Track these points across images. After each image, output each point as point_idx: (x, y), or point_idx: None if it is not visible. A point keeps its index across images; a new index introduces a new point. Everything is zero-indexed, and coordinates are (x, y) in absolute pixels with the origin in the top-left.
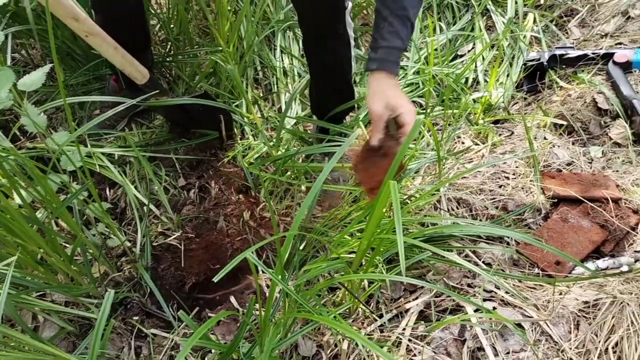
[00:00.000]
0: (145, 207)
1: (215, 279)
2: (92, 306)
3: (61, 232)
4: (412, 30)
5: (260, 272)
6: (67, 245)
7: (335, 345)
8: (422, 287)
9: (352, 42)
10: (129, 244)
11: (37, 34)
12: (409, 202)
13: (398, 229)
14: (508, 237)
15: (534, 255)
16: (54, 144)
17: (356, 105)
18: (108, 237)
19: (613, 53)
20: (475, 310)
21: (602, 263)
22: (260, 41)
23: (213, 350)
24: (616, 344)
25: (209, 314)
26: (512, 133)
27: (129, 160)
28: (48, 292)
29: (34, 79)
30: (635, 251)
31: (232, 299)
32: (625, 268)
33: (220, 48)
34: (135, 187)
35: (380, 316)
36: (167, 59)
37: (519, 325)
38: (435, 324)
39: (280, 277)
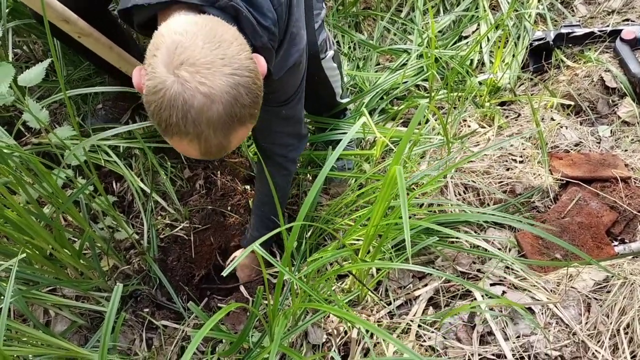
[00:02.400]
0: (152, 200)
1: (224, 274)
2: (102, 299)
3: (69, 227)
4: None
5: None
6: (76, 239)
7: (345, 333)
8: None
9: (337, 78)
10: (137, 237)
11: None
12: (415, 188)
13: (404, 216)
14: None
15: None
16: (58, 139)
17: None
18: (116, 230)
19: (620, 30)
20: (485, 296)
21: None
22: None
23: (224, 340)
24: (627, 325)
25: (219, 305)
26: (519, 115)
27: (135, 153)
28: (58, 287)
29: (34, 74)
30: None
31: (242, 288)
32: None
33: None
34: (142, 180)
35: (389, 303)
36: None
37: (529, 309)
38: (445, 311)
39: (287, 268)
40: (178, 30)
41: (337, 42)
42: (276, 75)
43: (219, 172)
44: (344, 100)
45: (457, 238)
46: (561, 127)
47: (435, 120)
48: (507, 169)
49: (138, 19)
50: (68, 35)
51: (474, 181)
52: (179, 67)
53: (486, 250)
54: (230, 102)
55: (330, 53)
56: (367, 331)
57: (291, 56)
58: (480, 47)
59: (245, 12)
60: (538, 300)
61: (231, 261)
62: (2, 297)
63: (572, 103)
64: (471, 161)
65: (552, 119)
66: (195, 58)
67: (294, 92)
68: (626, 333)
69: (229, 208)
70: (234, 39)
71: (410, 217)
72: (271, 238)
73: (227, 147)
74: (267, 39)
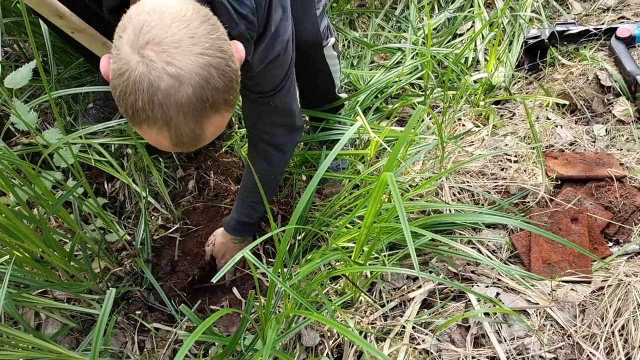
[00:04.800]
0: (144, 200)
1: (214, 280)
2: (93, 302)
3: (60, 228)
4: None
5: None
6: (67, 241)
7: (339, 335)
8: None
9: (337, 68)
10: (129, 238)
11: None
12: (410, 189)
13: (402, 219)
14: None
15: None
16: (45, 141)
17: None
18: (107, 232)
19: (615, 28)
20: (479, 300)
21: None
22: None
23: (216, 343)
24: (622, 327)
25: (211, 307)
26: (514, 114)
27: (126, 153)
28: (49, 290)
29: (21, 76)
30: None
31: (235, 289)
32: None
33: None
34: (133, 180)
35: (383, 305)
36: None
37: (524, 312)
38: (440, 320)
39: (279, 271)
40: (145, 10)
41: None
42: (257, 68)
43: (212, 172)
44: (343, 95)
45: (450, 239)
46: (556, 126)
47: (430, 119)
48: (502, 169)
49: (107, 3)
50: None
51: (468, 182)
52: (144, 46)
53: (479, 251)
54: (201, 84)
55: (332, 40)
56: (360, 332)
57: (274, 48)
58: (475, 45)
59: None
60: (532, 302)
61: (209, 243)
62: None
63: (567, 102)
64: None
65: (548, 118)
66: (161, 37)
67: (280, 82)
68: (621, 335)
69: (222, 208)
70: (205, 18)
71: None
72: (248, 225)
73: (201, 136)
74: (245, 28)
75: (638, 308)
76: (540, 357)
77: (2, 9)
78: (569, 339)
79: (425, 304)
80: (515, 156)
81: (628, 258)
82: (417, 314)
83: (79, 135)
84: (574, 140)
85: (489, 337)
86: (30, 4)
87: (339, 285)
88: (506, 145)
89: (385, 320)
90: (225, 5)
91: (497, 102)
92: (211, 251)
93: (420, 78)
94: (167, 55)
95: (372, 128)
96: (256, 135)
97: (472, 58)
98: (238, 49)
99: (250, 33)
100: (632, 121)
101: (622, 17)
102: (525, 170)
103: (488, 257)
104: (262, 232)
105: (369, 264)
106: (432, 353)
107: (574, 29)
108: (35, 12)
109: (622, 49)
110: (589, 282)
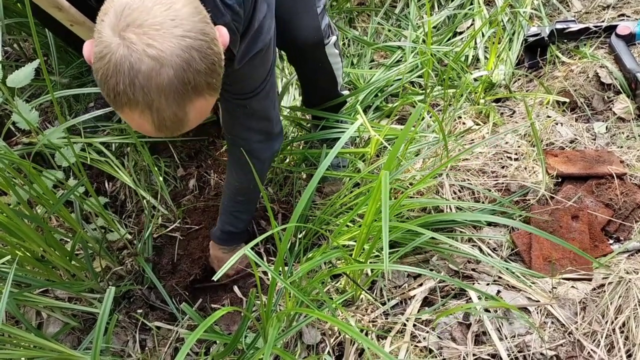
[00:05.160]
0: (145, 200)
1: (215, 278)
2: (95, 301)
3: (61, 227)
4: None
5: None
6: (68, 240)
7: (340, 333)
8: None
9: (339, 66)
10: (129, 237)
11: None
12: (410, 186)
13: (384, 222)
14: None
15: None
16: (48, 141)
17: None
18: (108, 231)
19: (616, 25)
20: (480, 297)
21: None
22: None
23: (218, 342)
24: (623, 324)
25: (212, 306)
26: (514, 112)
27: (127, 152)
28: (50, 289)
29: (23, 75)
30: None
31: (236, 288)
32: None
33: None
34: (133, 180)
35: (384, 303)
36: None
37: (525, 309)
38: (440, 313)
39: (280, 269)
40: None
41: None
42: (239, 64)
43: (212, 171)
44: (345, 93)
45: (450, 238)
46: (556, 124)
47: (430, 117)
48: (502, 167)
49: None
50: (61, 27)
51: (468, 180)
52: (125, 29)
53: (480, 249)
54: (182, 67)
55: (333, 38)
56: (361, 330)
57: (256, 44)
58: (475, 43)
59: None
60: (533, 300)
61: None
62: None
63: (568, 100)
64: (466, 159)
65: (548, 116)
66: (143, 19)
67: (259, 85)
68: (622, 332)
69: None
70: (188, 2)
71: (404, 217)
72: (233, 235)
73: (184, 120)
74: (230, 19)
75: (639, 305)
76: (541, 354)
77: (3, 8)
78: (569, 336)
79: (426, 302)
80: (516, 154)
81: (628, 255)
82: (418, 311)
83: (81, 135)
84: (575, 138)
85: (489, 335)
86: None
87: (340, 284)
88: (506, 143)
89: (386, 318)
90: None
91: (497, 100)
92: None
93: (420, 76)
94: (148, 37)
95: (372, 126)
96: (232, 140)
97: (472, 56)
98: (222, 34)
99: (237, 25)
100: (632, 119)
101: (622, 15)
102: (525, 168)
103: (489, 255)
104: (263, 231)
105: (370, 262)
106: (433, 350)
107: (574, 27)
108: (33, 8)
109: (622, 46)
110: (590, 280)
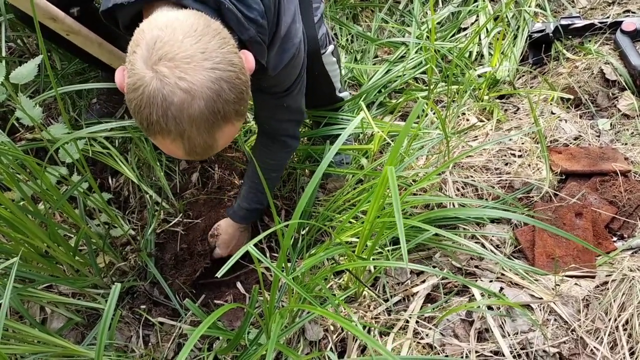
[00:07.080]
0: (148, 195)
1: (218, 274)
2: (98, 296)
3: (65, 223)
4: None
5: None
6: (72, 236)
7: (342, 329)
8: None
9: (337, 73)
10: (133, 232)
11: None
12: (413, 183)
13: (397, 214)
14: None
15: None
16: (51, 136)
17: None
18: (112, 227)
19: (621, 21)
20: (483, 295)
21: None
22: None
23: (221, 337)
24: (626, 322)
25: (215, 301)
26: (518, 108)
27: (130, 148)
28: (54, 285)
29: (27, 71)
30: None
31: (239, 284)
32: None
33: None
34: (136, 176)
35: (387, 300)
36: None
37: (528, 306)
38: (444, 312)
39: (283, 266)
40: (158, 26)
41: (335, 34)
42: (273, 72)
43: (216, 166)
44: (344, 94)
45: (454, 234)
46: (561, 121)
47: (434, 114)
48: (506, 164)
49: (122, 20)
50: (56, 34)
51: (472, 176)
52: (157, 62)
53: (483, 246)
54: (212, 98)
55: (331, 48)
56: (364, 327)
57: (287, 51)
58: (479, 39)
59: (228, 4)
60: (536, 297)
61: (213, 234)
62: (0, 297)
63: (572, 96)
64: (470, 156)
65: (552, 113)
66: (174, 52)
67: (293, 82)
68: (625, 329)
69: (225, 200)
70: (216, 32)
71: (407, 214)
72: (258, 211)
73: (214, 146)
74: (255, 32)
75: None
76: (544, 351)
77: (5, 5)
78: (572, 334)
79: (429, 299)
80: (520, 151)
81: (632, 253)
82: (421, 308)
83: (84, 124)
84: (579, 135)
85: (492, 332)
86: (23, 8)
87: (343, 280)
88: (510, 139)
89: (389, 314)
90: (233, 11)
91: (501, 97)
92: (215, 242)
93: (424, 72)
94: (180, 70)
95: (375, 123)
96: (271, 132)
97: (477, 52)
98: (248, 59)
99: (262, 37)
100: (637, 115)
101: (628, 11)
102: (529, 165)
103: (492, 251)
104: (266, 227)
105: (373, 259)
106: (435, 347)
107: (579, 23)
108: (23, 17)
109: (627, 42)
110: (593, 277)
